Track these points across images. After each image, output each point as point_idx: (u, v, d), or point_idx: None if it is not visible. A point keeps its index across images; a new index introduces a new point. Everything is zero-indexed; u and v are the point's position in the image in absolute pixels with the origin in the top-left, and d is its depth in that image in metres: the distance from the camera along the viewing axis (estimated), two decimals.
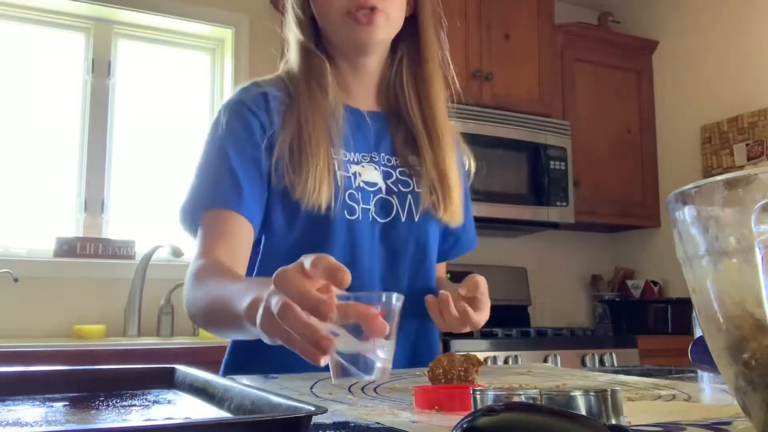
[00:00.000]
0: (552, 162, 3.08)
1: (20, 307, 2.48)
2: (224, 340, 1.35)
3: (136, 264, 2.61)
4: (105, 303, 2.60)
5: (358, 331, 0.51)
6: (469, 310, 1.00)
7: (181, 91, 3.00)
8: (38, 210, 2.69)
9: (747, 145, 3.12)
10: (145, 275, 2.60)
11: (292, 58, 1.14)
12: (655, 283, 3.46)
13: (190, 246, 1.11)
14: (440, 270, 1.30)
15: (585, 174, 3.26)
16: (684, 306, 3.15)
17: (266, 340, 0.68)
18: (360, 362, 0.50)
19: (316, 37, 1.13)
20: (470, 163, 1.30)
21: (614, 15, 3.73)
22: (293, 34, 1.14)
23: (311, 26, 1.13)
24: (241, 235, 1.03)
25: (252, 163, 1.05)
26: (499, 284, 3.27)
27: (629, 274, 3.62)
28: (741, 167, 3.12)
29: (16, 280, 2.42)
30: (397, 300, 0.52)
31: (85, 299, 2.58)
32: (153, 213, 2.84)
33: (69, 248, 2.59)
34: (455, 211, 1.15)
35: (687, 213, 0.43)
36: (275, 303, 0.62)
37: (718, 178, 0.40)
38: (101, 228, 2.74)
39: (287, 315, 0.61)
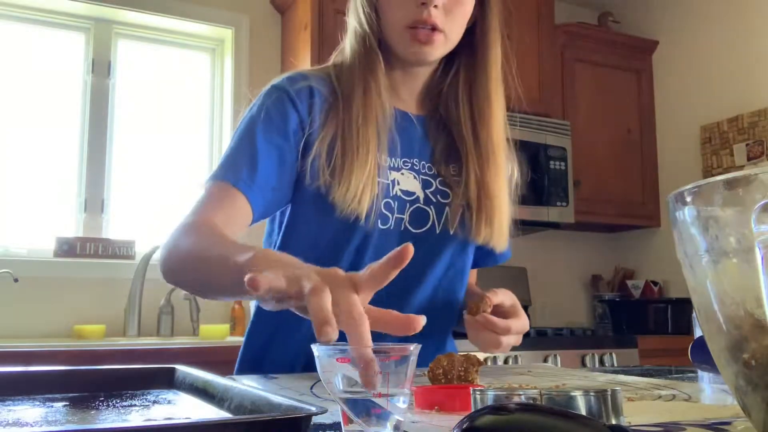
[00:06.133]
0: (552, 162, 3.08)
1: (20, 307, 2.48)
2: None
3: (136, 264, 2.61)
4: (105, 303, 2.60)
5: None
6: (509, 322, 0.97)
7: (181, 92, 3.00)
8: (38, 210, 2.69)
9: (747, 145, 3.12)
10: (145, 275, 2.60)
11: (350, 49, 1.09)
12: (655, 283, 3.46)
13: None
14: (471, 276, 1.27)
15: (585, 174, 3.26)
16: (684, 306, 3.15)
17: (254, 295, 0.62)
18: (372, 415, 0.49)
19: (378, 32, 1.07)
20: (514, 173, 1.25)
21: (614, 15, 3.73)
22: (356, 24, 1.08)
23: (376, 20, 1.07)
24: (241, 213, 0.98)
25: (277, 152, 1.00)
26: (499, 284, 3.25)
27: (629, 274, 3.62)
28: (741, 167, 3.12)
29: (16, 280, 2.42)
30: (414, 349, 0.51)
31: (85, 299, 2.58)
32: (153, 213, 2.84)
33: (69, 248, 2.59)
34: (495, 235, 1.09)
35: (687, 213, 0.43)
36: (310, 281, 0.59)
37: (718, 178, 0.40)
38: (101, 228, 2.74)
39: (315, 296, 0.57)
